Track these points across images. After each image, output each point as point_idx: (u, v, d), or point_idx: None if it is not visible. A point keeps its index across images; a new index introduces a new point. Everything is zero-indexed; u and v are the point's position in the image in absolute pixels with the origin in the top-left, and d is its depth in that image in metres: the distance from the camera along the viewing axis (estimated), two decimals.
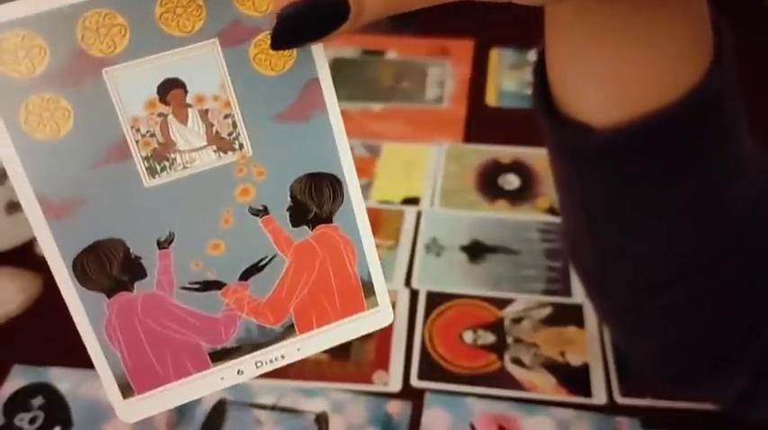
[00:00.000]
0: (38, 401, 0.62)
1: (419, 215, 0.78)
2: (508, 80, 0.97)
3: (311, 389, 0.62)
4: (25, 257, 0.74)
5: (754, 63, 0.36)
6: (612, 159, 0.35)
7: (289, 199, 0.34)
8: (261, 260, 0.34)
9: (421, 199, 0.80)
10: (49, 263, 0.32)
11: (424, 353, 0.65)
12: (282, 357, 0.36)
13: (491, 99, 0.94)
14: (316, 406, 0.61)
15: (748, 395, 0.42)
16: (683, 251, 0.38)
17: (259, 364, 0.35)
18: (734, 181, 0.37)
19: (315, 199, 0.34)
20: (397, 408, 0.61)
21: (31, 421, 0.61)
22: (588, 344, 0.66)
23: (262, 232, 0.34)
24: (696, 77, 0.34)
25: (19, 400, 0.63)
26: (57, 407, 0.62)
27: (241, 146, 0.33)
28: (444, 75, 0.98)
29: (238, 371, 0.35)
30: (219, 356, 0.35)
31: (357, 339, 0.65)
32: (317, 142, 0.34)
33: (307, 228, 0.35)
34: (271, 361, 0.36)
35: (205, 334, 0.34)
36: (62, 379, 0.64)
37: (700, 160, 0.36)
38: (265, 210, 0.34)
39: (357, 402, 0.62)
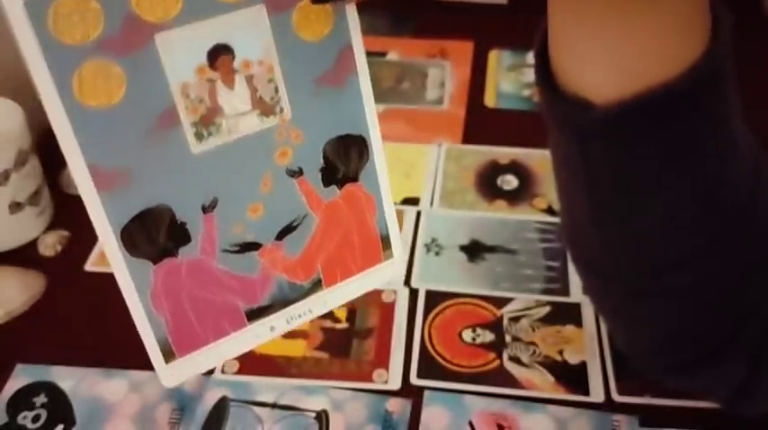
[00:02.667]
0: (41, 399, 0.63)
1: (419, 215, 0.79)
2: (507, 81, 0.98)
3: (312, 387, 0.63)
4: (28, 256, 0.75)
5: (753, 63, 0.37)
6: (615, 133, 0.36)
7: (321, 160, 0.35)
8: (295, 220, 0.36)
9: (420, 199, 0.81)
10: (98, 233, 0.32)
11: (424, 351, 0.66)
12: (310, 311, 0.37)
13: (490, 100, 0.95)
14: (316, 404, 0.62)
15: (745, 386, 0.42)
16: (682, 233, 0.38)
17: (290, 320, 0.37)
18: (733, 162, 0.38)
19: (344, 159, 0.36)
20: (397, 406, 0.62)
21: (34, 419, 0.62)
22: (586, 343, 0.66)
23: (296, 193, 0.35)
24: (696, 54, 0.34)
25: (22, 399, 0.63)
26: (59, 405, 0.62)
27: (282, 109, 0.34)
28: (444, 76, 0.98)
29: (271, 328, 0.37)
30: (254, 315, 0.36)
31: (357, 339, 0.66)
32: (349, 105, 0.35)
33: (336, 187, 0.36)
34: (300, 315, 0.37)
35: (243, 294, 0.36)
36: (65, 377, 0.64)
37: (699, 138, 0.36)
38: (300, 172, 0.35)
39: (357, 400, 0.62)
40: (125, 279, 0.33)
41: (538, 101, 0.39)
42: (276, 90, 0.33)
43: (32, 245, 0.76)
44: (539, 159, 0.84)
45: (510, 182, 0.83)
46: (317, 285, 0.37)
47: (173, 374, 0.35)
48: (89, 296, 0.71)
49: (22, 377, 0.64)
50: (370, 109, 0.36)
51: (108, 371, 0.65)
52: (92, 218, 0.32)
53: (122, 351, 0.66)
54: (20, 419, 0.61)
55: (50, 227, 0.78)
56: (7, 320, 0.69)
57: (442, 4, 1.10)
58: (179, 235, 0.33)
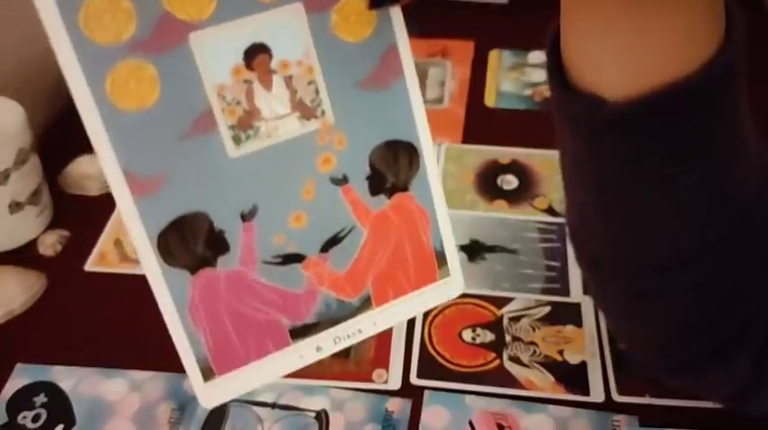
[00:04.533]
0: (40, 399, 0.63)
1: None
2: (507, 81, 0.98)
3: (311, 387, 0.63)
4: (28, 256, 0.75)
5: (753, 63, 0.37)
6: (628, 130, 0.35)
7: (368, 167, 0.34)
8: (341, 231, 0.34)
9: None
10: (133, 241, 0.31)
11: (424, 351, 0.66)
12: (360, 331, 0.35)
13: (490, 100, 0.95)
14: (316, 403, 0.62)
15: (749, 385, 0.42)
16: (691, 230, 0.38)
17: (337, 340, 0.35)
18: (743, 157, 0.38)
19: (393, 167, 0.34)
20: (397, 406, 0.62)
21: (34, 419, 0.62)
22: (586, 343, 0.66)
23: (341, 202, 0.34)
24: (711, 51, 0.34)
25: (22, 398, 0.63)
26: (59, 405, 0.62)
27: (323, 113, 0.32)
28: (444, 75, 0.98)
29: (317, 348, 0.35)
30: (299, 333, 0.34)
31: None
32: (396, 109, 0.34)
33: (384, 197, 0.34)
34: (348, 336, 0.35)
35: (287, 310, 0.34)
36: (65, 377, 0.64)
37: (712, 135, 0.36)
38: (345, 180, 0.33)
39: (357, 400, 0.62)
40: (162, 290, 0.32)
41: (546, 99, 0.39)
42: (317, 92, 0.32)
43: (32, 244, 0.76)
44: (539, 159, 0.84)
45: (510, 182, 0.83)
46: (366, 303, 0.35)
47: (211, 394, 0.33)
48: (89, 296, 0.71)
49: (22, 377, 0.64)
50: (420, 114, 0.34)
51: (108, 371, 0.65)
52: (127, 225, 0.30)
53: (122, 351, 0.66)
54: (20, 419, 0.61)
55: (50, 226, 0.78)
56: (7, 320, 0.69)
57: (443, 3, 1.10)
58: (217, 243, 0.32)
